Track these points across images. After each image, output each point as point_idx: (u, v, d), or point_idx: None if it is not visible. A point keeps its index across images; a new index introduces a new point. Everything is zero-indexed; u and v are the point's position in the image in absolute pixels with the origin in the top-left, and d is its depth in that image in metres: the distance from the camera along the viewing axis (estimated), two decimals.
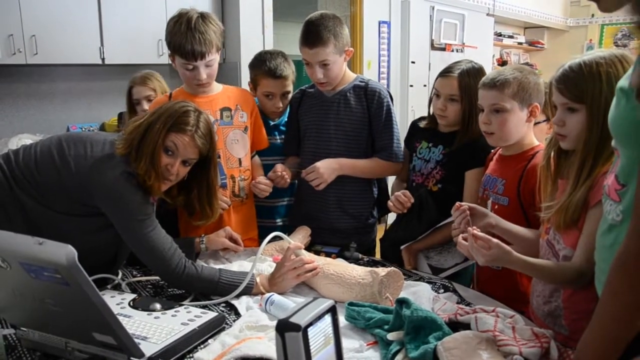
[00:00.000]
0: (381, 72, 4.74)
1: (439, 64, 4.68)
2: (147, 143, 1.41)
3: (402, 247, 1.87)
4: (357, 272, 1.44)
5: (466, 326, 1.18)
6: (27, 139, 2.91)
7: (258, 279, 1.46)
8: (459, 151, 1.77)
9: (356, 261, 1.71)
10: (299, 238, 1.80)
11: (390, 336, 1.15)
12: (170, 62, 1.84)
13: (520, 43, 7.33)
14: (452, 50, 5.21)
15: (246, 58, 2.30)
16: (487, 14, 5.80)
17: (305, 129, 1.99)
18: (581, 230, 1.17)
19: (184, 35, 1.68)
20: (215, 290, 1.43)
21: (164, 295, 1.48)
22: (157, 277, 1.54)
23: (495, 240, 1.18)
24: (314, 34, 1.77)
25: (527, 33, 7.62)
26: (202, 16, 1.72)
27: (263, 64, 1.99)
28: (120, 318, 1.02)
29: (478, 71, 1.75)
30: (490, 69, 2.24)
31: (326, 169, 1.84)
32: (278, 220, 2.12)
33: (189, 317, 1.24)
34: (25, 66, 3.05)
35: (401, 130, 1.96)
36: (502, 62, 6.88)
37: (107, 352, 1.05)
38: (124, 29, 3.20)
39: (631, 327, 0.85)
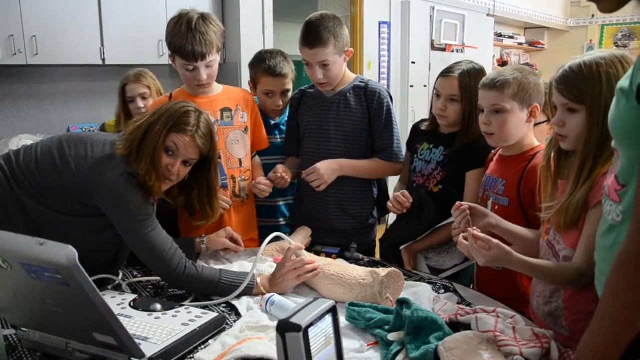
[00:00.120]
0: (381, 72, 4.74)
1: (439, 64, 4.68)
2: (148, 143, 1.41)
3: (401, 247, 1.87)
4: (358, 272, 1.44)
5: (467, 326, 1.18)
6: (27, 140, 2.91)
7: (259, 280, 1.46)
8: (459, 152, 1.76)
9: (357, 262, 1.71)
10: (299, 238, 1.80)
11: (391, 336, 1.15)
12: (170, 62, 1.84)
13: (520, 43, 7.34)
14: (453, 51, 5.22)
15: (246, 58, 2.30)
16: (488, 15, 5.81)
17: (305, 130, 1.99)
18: (581, 230, 1.17)
19: (184, 36, 1.69)
20: (216, 291, 1.43)
21: (165, 295, 1.48)
22: (158, 278, 1.54)
23: (495, 240, 1.18)
24: (314, 35, 1.78)
25: (528, 33, 7.62)
26: (203, 17, 1.73)
27: (263, 63, 2.00)
28: (121, 318, 1.02)
29: (479, 72, 1.75)
30: (490, 70, 2.24)
31: (326, 169, 1.84)
32: (279, 219, 2.13)
33: (189, 317, 1.24)
34: (25, 67, 3.05)
35: (402, 132, 1.96)
36: (503, 63, 6.89)
37: (107, 352, 1.05)
38: (125, 30, 3.20)
39: (632, 327, 0.85)
